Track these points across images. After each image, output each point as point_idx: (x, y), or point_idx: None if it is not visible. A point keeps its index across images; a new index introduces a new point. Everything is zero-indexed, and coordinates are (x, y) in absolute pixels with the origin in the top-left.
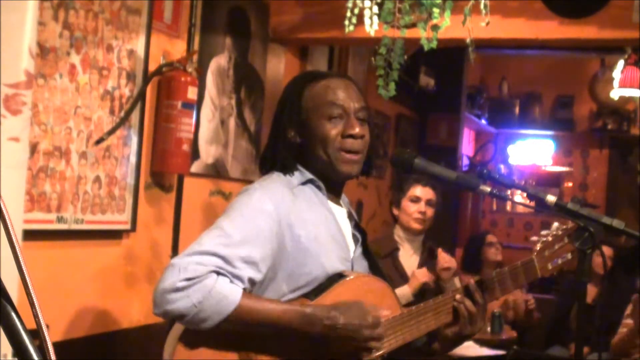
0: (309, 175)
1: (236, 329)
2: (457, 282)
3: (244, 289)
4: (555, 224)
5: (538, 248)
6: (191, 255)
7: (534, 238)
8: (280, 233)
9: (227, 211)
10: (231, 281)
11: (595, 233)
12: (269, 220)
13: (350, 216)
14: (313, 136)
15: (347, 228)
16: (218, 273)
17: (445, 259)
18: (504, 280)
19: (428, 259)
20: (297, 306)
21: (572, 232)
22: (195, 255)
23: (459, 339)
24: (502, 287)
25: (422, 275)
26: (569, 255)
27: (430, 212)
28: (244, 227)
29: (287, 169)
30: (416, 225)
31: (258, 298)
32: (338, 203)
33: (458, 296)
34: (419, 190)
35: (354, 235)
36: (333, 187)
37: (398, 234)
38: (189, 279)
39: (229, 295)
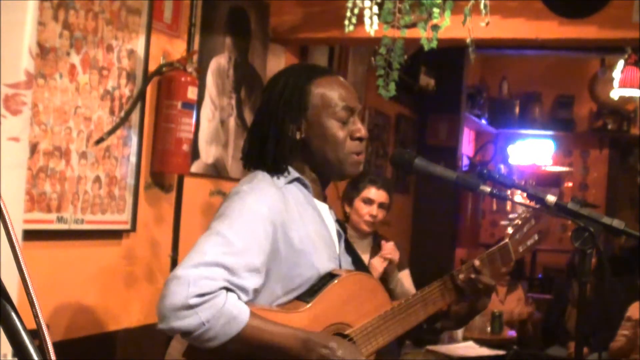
0: (295, 174)
1: (239, 349)
2: (401, 276)
3: (249, 301)
4: (522, 207)
5: (510, 232)
6: (197, 267)
7: (504, 222)
8: (274, 236)
9: (222, 215)
10: (239, 297)
11: (595, 233)
12: (264, 223)
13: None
14: (321, 135)
15: (331, 224)
16: (227, 289)
17: (388, 251)
18: (483, 266)
19: (378, 254)
20: (299, 332)
21: (539, 217)
22: (201, 266)
23: (472, 314)
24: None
25: (379, 264)
26: (536, 237)
27: (381, 214)
28: (243, 233)
29: (277, 169)
30: (365, 228)
31: (263, 319)
32: (321, 199)
33: (461, 276)
34: (372, 192)
35: (337, 231)
36: (322, 184)
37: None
38: (200, 295)
39: (237, 315)
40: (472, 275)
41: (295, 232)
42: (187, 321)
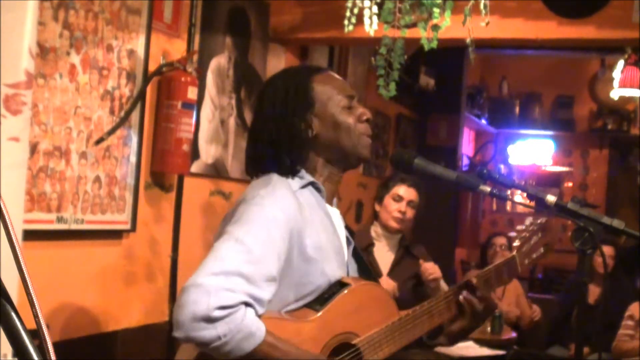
0: (310, 178)
1: None
2: (444, 286)
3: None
4: (529, 219)
5: (517, 244)
6: (217, 276)
7: (512, 234)
8: (290, 242)
9: (239, 221)
10: (256, 312)
11: (595, 233)
12: (282, 230)
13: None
14: (332, 125)
15: (342, 231)
16: (246, 304)
17: (428, 271)
18: (488, 280)
19: (403, 257)
20: (310, 355)
21: (546, 230)
22: (221, 276)
23: (465, 333)
24: (487, 286)
25: (387, 285)
26: (542, 250)
27: (410, 213)
28: (262, 240)
29: (293, 172)
30: (394, 224)
31: (278, 338)
32: (332, 204)
33: (465, 292)
34: (402, 190)
35: (347, 238)
36: (337, 178)
37: (375, 230)
38: (222, 308)
39: (255, 332)
40: (473, 295)
41: (309, 240)
42: (205, 333)
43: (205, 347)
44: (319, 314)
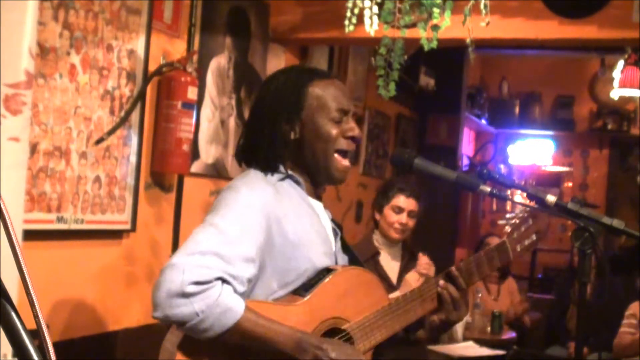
0: (287, 172)
1: (234, 341)
2: None
3: (244, 293)
4: (519, 207)
5: (508, 231)
6: (192, 255)
7: (502, 221)
8: (269, 228)
9: (216, 208)
10: (235, 288)
11: (595, 233)
12: (258, 215)
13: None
14: (314, 133)
15: (327, 222)
16: (223, 280)
17: (423, 266)
18: (480, 264)
19: (410, 263)
20: (293, 331)
21: (536, 217)
22: (196, 255)
23: (446, 325)
24: (479, 271)
25: (414, 280)
26: (534, 237)
27: (411, 223)
28: (237, 224)
29: (270, 168)
30: (395, 235)
31: (258, 314)
32: (316, 197)
33: (441, 282)
34: (402, 201)
35: (333, 230)
36: (314, 185)
37: (377, 239)
38: (196, 283)
39: (233, 307)
40: (443, 284)
41: (291, 226)
42: (181, 310)
43: (184, 325)
44: (306, 298)
